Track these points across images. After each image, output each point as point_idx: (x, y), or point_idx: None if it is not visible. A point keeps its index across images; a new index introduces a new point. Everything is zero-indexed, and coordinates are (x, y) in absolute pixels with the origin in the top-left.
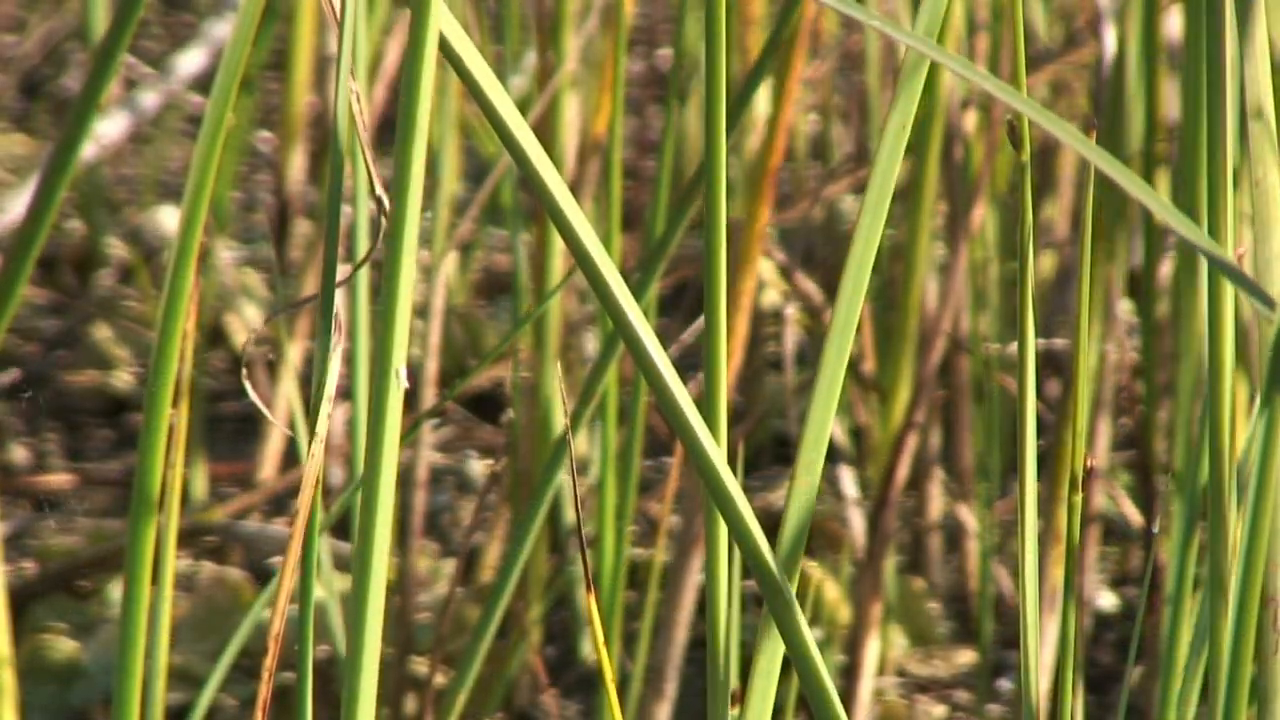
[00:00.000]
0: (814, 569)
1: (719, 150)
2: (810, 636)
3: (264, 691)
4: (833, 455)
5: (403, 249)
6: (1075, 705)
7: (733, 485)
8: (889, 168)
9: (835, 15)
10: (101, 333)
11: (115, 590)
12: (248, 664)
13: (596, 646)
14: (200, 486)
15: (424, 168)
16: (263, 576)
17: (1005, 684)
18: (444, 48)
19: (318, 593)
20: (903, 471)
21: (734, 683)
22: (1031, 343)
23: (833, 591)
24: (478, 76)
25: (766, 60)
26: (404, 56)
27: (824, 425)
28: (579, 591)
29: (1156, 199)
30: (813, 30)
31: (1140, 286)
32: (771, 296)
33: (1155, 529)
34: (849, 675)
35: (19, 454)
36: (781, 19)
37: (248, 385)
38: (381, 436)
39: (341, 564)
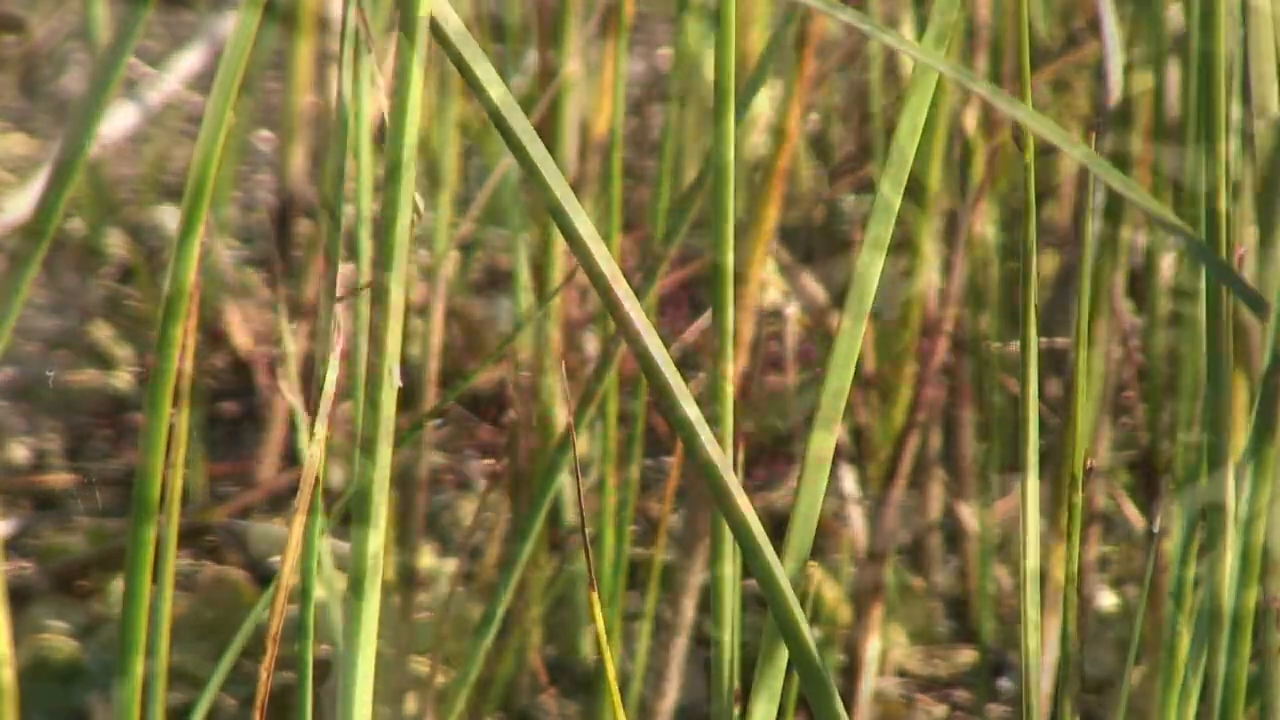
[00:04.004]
0: (814, 569)
1: (727, 149)
2: (811, 636)
3: (262, 692)
4: (833, 454)
5: (395, 243)
6: (1075, 705)
7: (734, 485)
8: (899, 173)
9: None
10: (101, 332)
11: (116, 590)
12: (248, 664)
13: (600, 645)
14: (200, 486)
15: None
16: (263, 576)
17: (1005, 684)
18: (445, 45)
19: (319, 592)
20: (904, 471)
21: (734, 682)
22: (1034, 342)
23: (833, 591)
24: (480, 75)
25: (768, 61)
26: (396, 46)
27: (828, 436)
28: (579, 591)
29: (1151, 201)
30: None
31: (1141, 286)
32: (772, 296)
33: (1155, 529)
34: (849, 675)
35: (19, 454)
36: (783, 22)
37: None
38: (375, 429)
39: (343, 564)
